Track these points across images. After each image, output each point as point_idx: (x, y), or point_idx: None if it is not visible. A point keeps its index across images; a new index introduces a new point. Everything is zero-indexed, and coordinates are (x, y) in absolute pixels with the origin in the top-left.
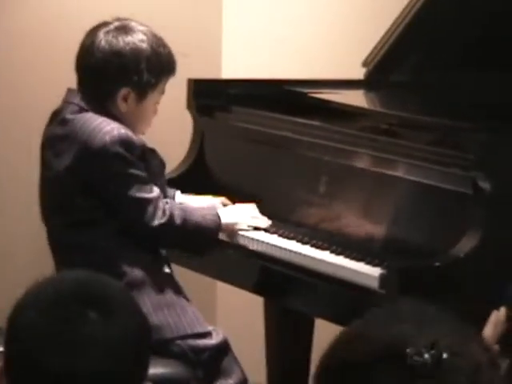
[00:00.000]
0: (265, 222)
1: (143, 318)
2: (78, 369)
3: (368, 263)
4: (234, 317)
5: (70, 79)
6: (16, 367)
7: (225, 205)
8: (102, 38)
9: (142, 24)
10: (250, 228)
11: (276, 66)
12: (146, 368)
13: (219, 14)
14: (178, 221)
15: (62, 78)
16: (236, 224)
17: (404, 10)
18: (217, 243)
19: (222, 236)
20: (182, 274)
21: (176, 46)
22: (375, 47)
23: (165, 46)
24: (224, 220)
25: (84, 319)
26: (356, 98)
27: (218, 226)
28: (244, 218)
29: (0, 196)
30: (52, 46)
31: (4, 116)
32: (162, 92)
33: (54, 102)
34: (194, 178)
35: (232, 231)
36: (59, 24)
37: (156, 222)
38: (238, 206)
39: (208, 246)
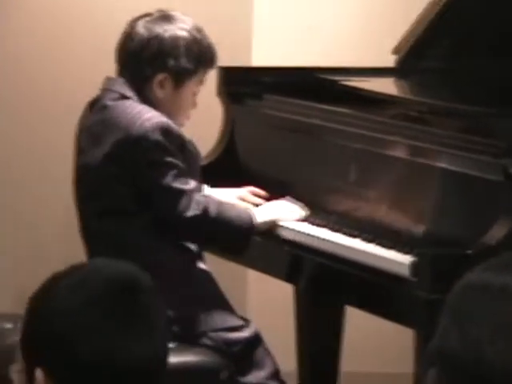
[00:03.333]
0: (302, 212)
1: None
2: (116, 357)
3: (399, 251)
4: (264, 306)
5: (107, 71)
6: (52, 357)
7: (254, 195)
8: (142, 26)
9: (183, 15)
10: (289, 220)
11: (306, 54)
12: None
13: (250, 1)
14: (212, 215)
15: (98, 70)
16: (276, 220)
17: None
18: (249, 242)
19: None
20: (212, 264)
21: (207, 33)
22: (405, 34)
23: (206, 36)
24: (261, 219)
25: (129, 308)
26: (387, 86)
27: (251, 226)
28: (282, 213)
29: (32, 182)
30: (87, 38)
31: (41, 101)
32: (201, 83)
33: (90, 93)
34: (225, 166)
35: (269, 228)
36: (89, 21)
37: (190, 213)
38: (272, 202)
39: (241, 245)
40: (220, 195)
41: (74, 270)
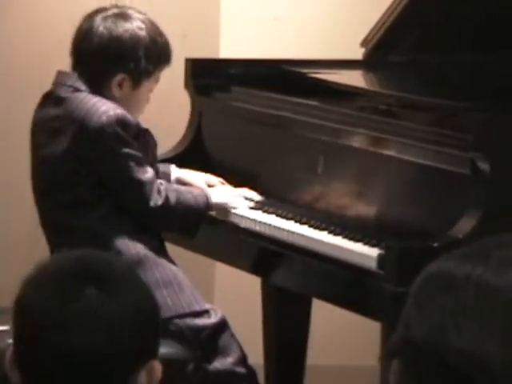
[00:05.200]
0: (252, 199)
1: (148, 296)
2: (76, 345)
3: (366, 244)
4: (231, 295)
5: (59, 63)
6: (20, 345)
7: (222, 183)
8: (101, 24)
9: (139, 12)
10: (241, 206)
11: (274, 47)
12: (151, 345)
13: None
14: (172, 202)
15: (51, 60)
16: (227, 204)
17: None
18: (203, 223)
19: (218, 216)
20: (179, 252)
21: (174, 26)
22: (374, 27)
23: (162, 34)
24: (215, 200)
25: (81, 295)
26: (355, 78)
27: (207, 207)
28: (234, 197)
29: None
30: (43, 31)
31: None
32: (157, 81)
33: (44, 84)
34: (192, 158)
35: (224, 210)
36: (50, 10)
37: (152, 204)
38: (228, 186)
39: (197, 227)
40: (188, 176)
41: (40, 263)
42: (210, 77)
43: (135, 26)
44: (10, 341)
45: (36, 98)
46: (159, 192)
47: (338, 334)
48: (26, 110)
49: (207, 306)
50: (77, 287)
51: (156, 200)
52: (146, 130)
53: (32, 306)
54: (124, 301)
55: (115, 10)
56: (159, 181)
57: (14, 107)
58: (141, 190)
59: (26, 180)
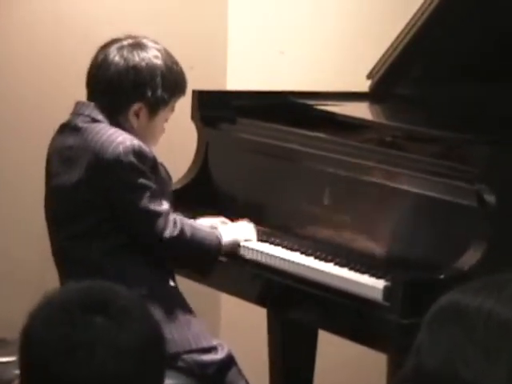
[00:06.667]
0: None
1: (155, 325)
2: (84, 374)
3: (372, 275)
4: (237, 328)
5: (77, 94)
6: (27, 376)
7: (224, 223)
8: (116, 54)
9: (154, 41)
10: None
11: (280, 79)
12: (158, 374)
13: (224, 26)
14: (187, 235)
15: (68, 91)
16: (240, 240)
17: (409, 23)
18: (217, 262)
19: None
20: (186, 287)
21: (181, 57)
22: (380, 60)
23: (177, 63)
24: (226, 238)
25: (89, 324)
26: (361, 111)
27: (219, 245)
28: (245, 234)
29: (4, 206)
30: (57, 61)
31: (11, 125)
32: (172, 110)
33: (60, 114)
34: (198, 190)
35: (231, 249)
36: (62, 41)
37: (167, 235)
38: (237, 224)
39: (211, 264)
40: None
41: (45, 295)
42: (217, 108)
43: (151, 54)
44: (17, 371)
45: (50, 128)
46: (175, 224)
47: (345, 366)
48: (36, 140)
49: (214, 342)
50: (85, 317)
51: (172, 231)
52: (162, 165)
53: (39, 336)
54: (132, 330)
55: (130, 41)
56: (175, 214)
57: (26, 136)
58: (156, 220)
59: (36, 209)
